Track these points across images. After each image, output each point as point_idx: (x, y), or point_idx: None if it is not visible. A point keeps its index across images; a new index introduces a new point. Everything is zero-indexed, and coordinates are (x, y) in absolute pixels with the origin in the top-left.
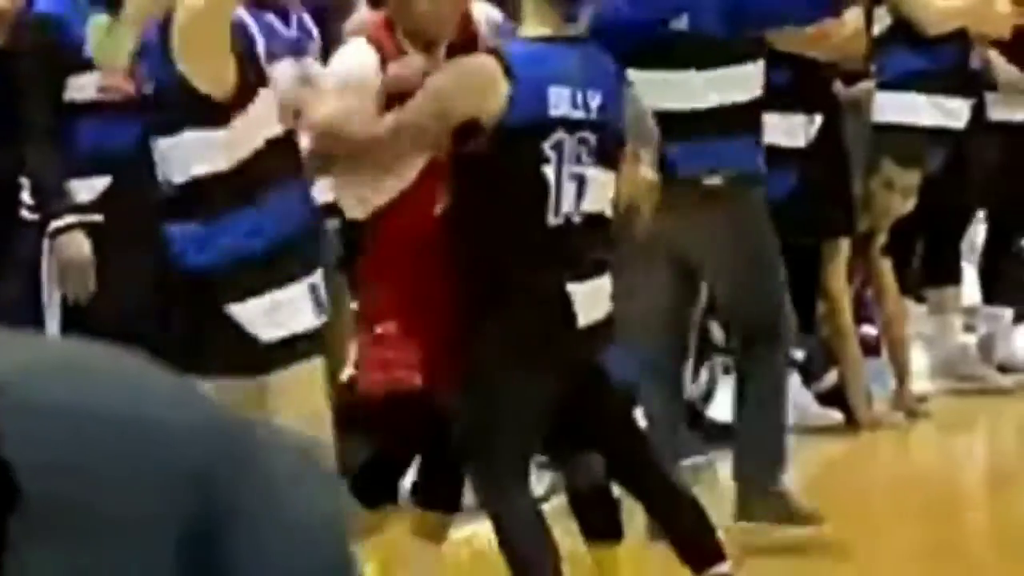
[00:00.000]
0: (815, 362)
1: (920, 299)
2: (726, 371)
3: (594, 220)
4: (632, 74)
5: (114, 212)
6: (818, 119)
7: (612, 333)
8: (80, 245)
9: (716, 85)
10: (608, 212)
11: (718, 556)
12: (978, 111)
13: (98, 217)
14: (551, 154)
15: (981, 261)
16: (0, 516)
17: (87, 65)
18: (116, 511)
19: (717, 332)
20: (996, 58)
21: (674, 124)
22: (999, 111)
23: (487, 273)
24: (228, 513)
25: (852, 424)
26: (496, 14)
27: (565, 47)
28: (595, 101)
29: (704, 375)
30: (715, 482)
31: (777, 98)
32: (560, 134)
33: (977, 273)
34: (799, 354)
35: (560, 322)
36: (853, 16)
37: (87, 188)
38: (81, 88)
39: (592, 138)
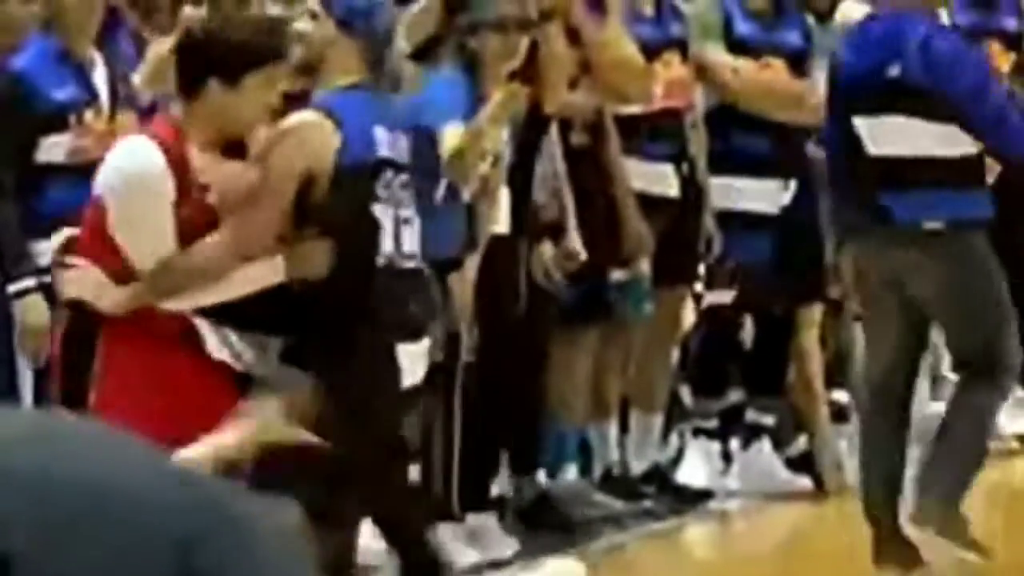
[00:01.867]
0: (785, 427)
1: None
2: (695, 434)
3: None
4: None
5: None
6: (792, 185)
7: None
8: (38, 309)
9: (941, 135)
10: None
11: None
12: None
13: None
14: (383, 194)
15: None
16: None
17: (59, 125)
18: None
19: (687, 397)
20: None
21: (896, 170)
22: None
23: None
24: None
25: (821, 490)
26: None
27: (376, 91)
28: (407, 143)
29: (674, 440)
30: (681, 544)
31: (753, 164)
32: (389, 174)
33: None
34: (768, 419)
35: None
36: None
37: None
38: (50, 149)
39: (410, 180)
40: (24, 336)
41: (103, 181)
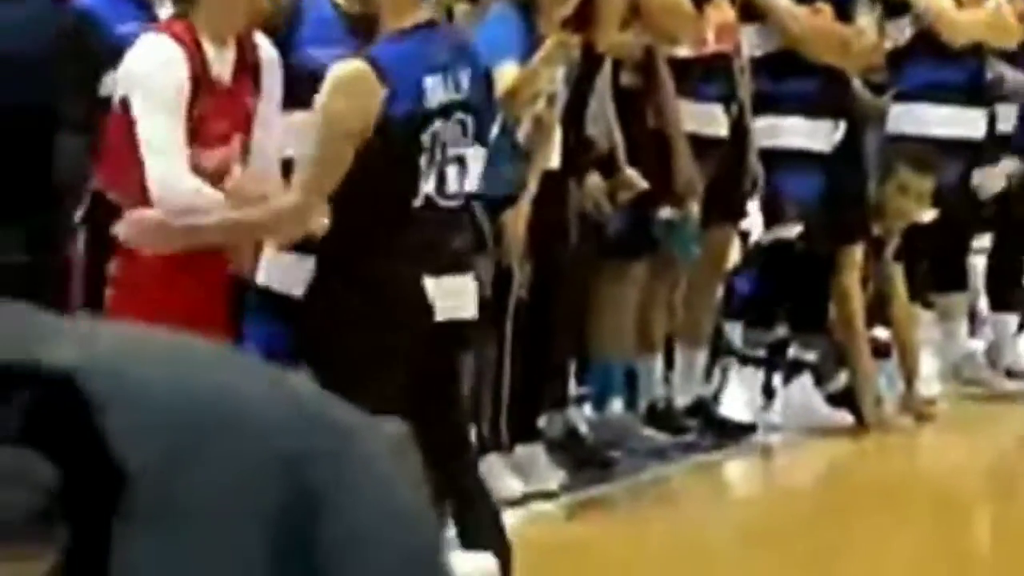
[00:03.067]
0: (826, 364)
1: (928, 305)
2: (742, 363)
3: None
4: None
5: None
6: (842, 125)
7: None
8: None
9: None
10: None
11: None
12: (989, 123)
13: None
14: (427, 142)
15: (987, 268)
16: (109, 511)
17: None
18: (214, 497)
19: (732, 333)
20: (1007, 70)
21: None
22: (1008, 123)
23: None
24: (322, 498)
25: (861, 425)
26: None
27: (428, 33)
28: (465, 80)
29: (717, 375)
30: (723, 477)
31: (804, 104)
32: (437, 124)
33: (983, 280)
34: (811, 355)
35: (417, 313)
36: (869, 27)
37: None
38: (114, 84)
39: (468, 118)
40: None
41: (124, 78)
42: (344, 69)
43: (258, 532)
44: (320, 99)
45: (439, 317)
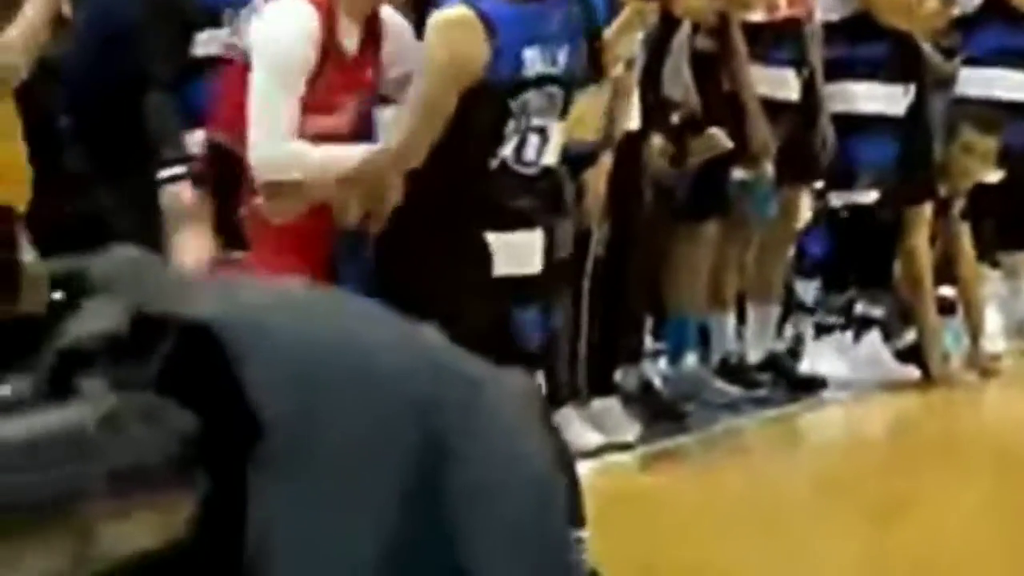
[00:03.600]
0: (894, 321)
1: (994, 263)
2: (817, 332)
3: (549, 173)
4: None
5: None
6: (912, 89)
7: (534, 292)
8: (187, 195)
9: None
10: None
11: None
12: None
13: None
14: (515, 109)
15: None
16: (247, 460)
17: (214, 20)
18: (348, 445)
19: (803, 291)
20: None
21: None
22: None
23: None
24: (451, 446)
25: (928, 380)
26: None
27: (539, 5)
28: (563, 57)
29: (789, 330)
30: (793, 430)
31: (877, 69)
32: (529, 93)
33: None
34: (878, 311)
35: (476, 267)
36: None
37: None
38: (205, 43)
39: (558, 93)
40: (173, 221)
41: (255, 32)
42: (450, 15)
43: (390, 478)
44: (426, 43)
45: (499, 271)
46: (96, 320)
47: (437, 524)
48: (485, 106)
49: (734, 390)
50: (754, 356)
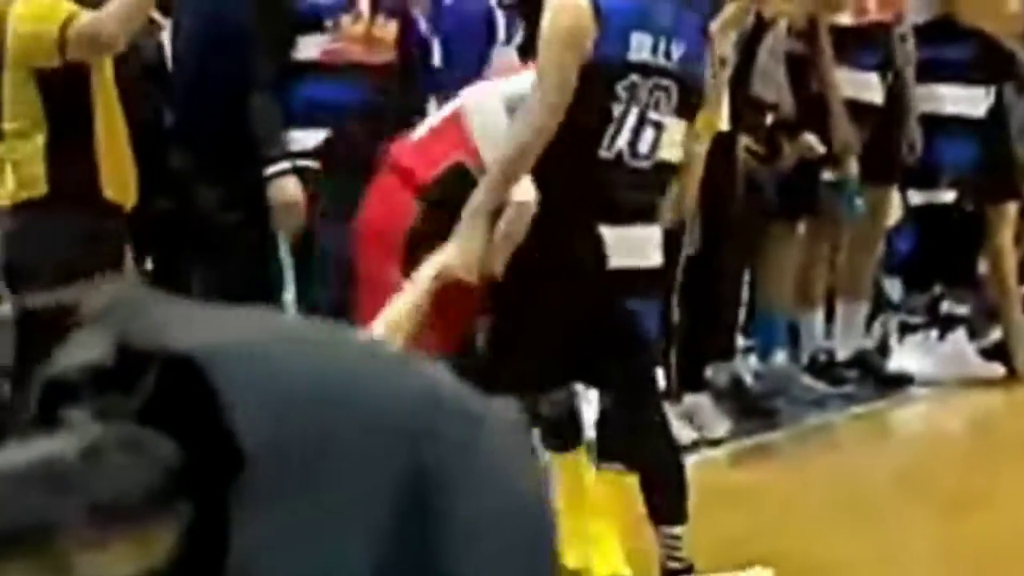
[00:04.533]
0: (979, 319)
1: None
2: (903, 330)
3: (663, 168)
4: None
5: (328, 163)
6: (993, 90)
7: (652, 285)
8: (292, 188)
9: None
10: (677, 160)
11: (677, 519)
12: None
13: (314, 164)
14: (623, 95)
15: None
16: (223, 485)
17: (316, 26)
18: (329, 473)
19: (891, 289)
20: None
21: None
22: None
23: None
24: (447, 481)
25: (1013, 378)
26: None
27: None
28: (678, 52)
29: (877, 329)
30: (880, 425)
31: (961, 70)
32: (634, 78)
33: None
34: (963, 309)
35: (591, 259)
36: None
37: (304, 139)
38: (307, 47)
39: (672, 87)
40: (279, 214)
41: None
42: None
43: (379, 505)
44: (546, 20)
45: (614, 264)
46: (83, 351)
47: (430, 553)
48: (591, 88)
49: (822, 386)
50: (843, 353)
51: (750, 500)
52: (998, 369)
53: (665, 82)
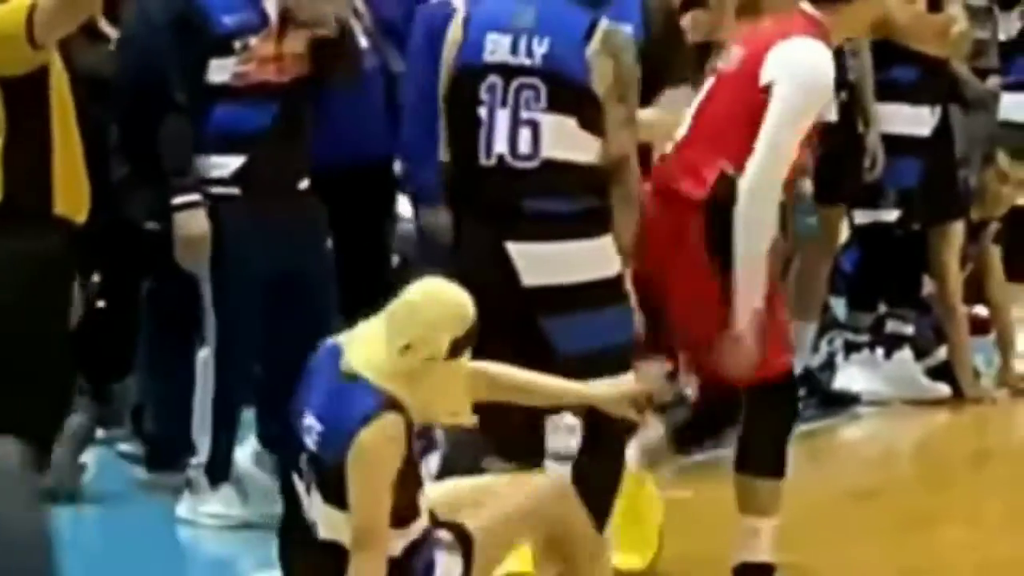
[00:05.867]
0: (925, 339)
1: None
2: (848, 349)
3: (554, 166)
4: None
5: (247, 188)
6: (938, 110)
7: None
8: (198, 222)
9: None
10: (578, 159)
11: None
12: None
13: (234, 190)
14: (485, 97)
15: None
16: None
17: (227, 49)
18: None
19: (836, 308)
20: None
21: None
22: None
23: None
24: None
25: (959, 397)
26: None
27: None
28: (541, 48)
29: (823, 348)
30: (826, 444)
31: (906, 91)
32: (492, 78)
33: None
34: (908, 329)
35: (500, 277)
36: (959, 15)
37: (220, 166)
38: (217, 71)
39: (540, 84)
40: (182, 248)
41: (779, 68)
42: None
43: None
44: None
45: (528, 283)
46: None
47: None
48: (456, 95)
49: None
50: None
51: (694, 517)
52: (944, 389)
53: (531, 80)
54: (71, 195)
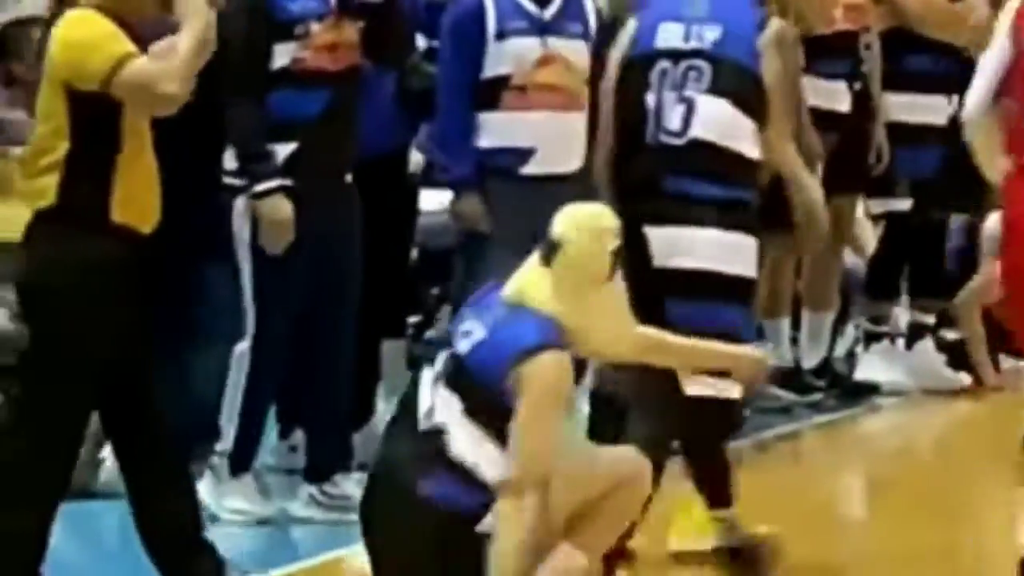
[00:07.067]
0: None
1: None
2: (868, 339)
3: (703, 148)
4: None
5: (295, 176)
6: (955, 99)
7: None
8: (284, 207)
9: None
10: (730, 146)
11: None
12: None
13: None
14: (654, 81)
15: None
16: None
17: (289, 35)
18: None
19: (857, 298)
20: None
21: None
22: None
23: None
24: None
25: (980, 386)
26: None
27: None
28: (713, 34)
29: (845, 338)
30: (846, 434)
31: (921, 80)
32: (664, 63)
33: None
34: (930, 319)
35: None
36: (979, 3)
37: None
38: (280, 56)
39: (705, 66)
40: (270, 233)
41: None
42: None
43: None
44: None
45: (656, 263)
46: None
47: None
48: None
49: (788, 395)
50: (808, 362)
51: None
52: (964, 379)
53: (697, 62)
54: (134, 204)
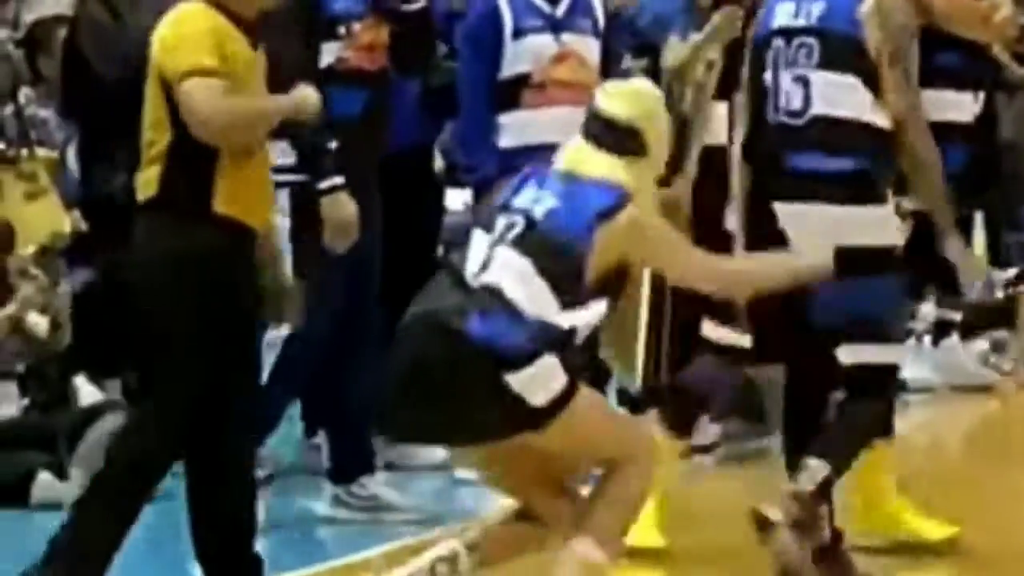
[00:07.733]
0: (974, 325)
1: None
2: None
3: (825, 123)
4: None
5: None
6: (981, 96)
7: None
8: (350, 205)
9: None
10: (850, 116)
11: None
12: None
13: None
14: (770, 59)
15: None
16: None
17: (333, 33)
18: None
19: None
20: None
21: None
22: None
23: None
24: None
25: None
26: None
27: None
28: (818, 10)
29: None
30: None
31: (948, 77)
32: (778, 42)
33: None
34: (956, 315)
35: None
36: (1005, 2)
37: None
38: (326, 55)
39: (814, 43)
40: (336, 231)
41: None
42: None
43: None
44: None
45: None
46: None
47: None
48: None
49: None
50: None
51: (741, 506)
52: (992, 375)
53: (807, 39)
54: (239, 196)
